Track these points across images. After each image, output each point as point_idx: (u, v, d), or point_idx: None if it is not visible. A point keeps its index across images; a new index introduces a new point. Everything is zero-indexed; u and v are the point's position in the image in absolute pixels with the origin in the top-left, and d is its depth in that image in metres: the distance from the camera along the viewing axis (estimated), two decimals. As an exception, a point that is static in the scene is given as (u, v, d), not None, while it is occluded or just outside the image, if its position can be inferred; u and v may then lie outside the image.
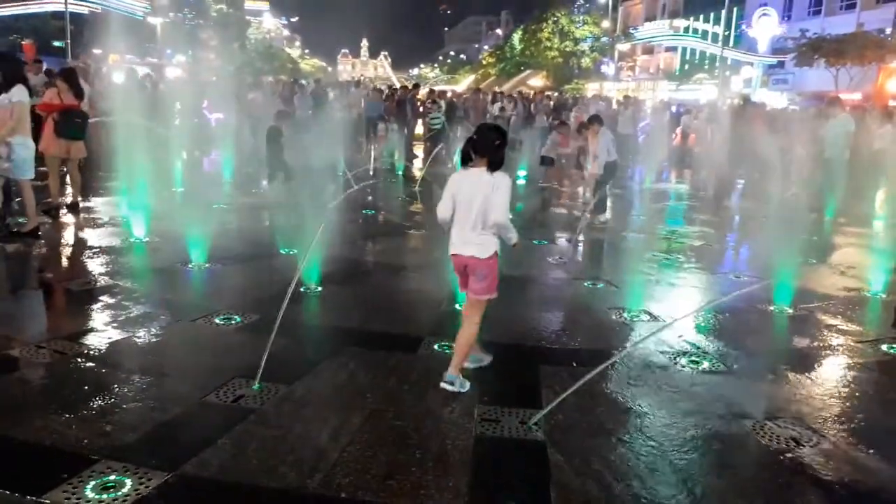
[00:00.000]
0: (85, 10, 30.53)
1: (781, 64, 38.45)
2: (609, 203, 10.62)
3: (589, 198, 10.47)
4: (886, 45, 29.64)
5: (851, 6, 36.52)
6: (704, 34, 47.68)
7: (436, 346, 4.79)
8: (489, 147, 3.94)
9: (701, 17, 48.83)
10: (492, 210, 3.89)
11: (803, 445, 3.63)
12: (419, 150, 18.16)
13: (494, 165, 3.93)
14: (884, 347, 5.25)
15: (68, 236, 7.70)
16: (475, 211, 3.93)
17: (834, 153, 10.91)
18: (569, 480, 3.19)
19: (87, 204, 9.18)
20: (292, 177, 10.80)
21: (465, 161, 4.03)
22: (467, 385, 4.09)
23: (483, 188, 3.90)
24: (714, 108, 21.22)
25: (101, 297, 5.49)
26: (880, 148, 12.91)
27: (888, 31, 31.27)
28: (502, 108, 21.33)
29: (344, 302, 5.93)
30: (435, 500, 2.96)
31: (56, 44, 34.47)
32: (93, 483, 2.92)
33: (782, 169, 10.66)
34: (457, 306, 5.48)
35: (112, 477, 2.97)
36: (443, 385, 4.06)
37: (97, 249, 6.99)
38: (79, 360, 4.26)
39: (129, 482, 2.94)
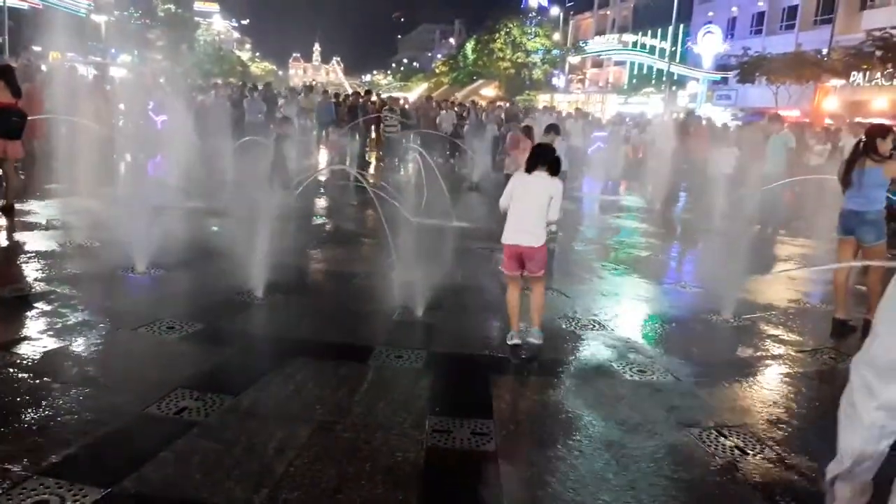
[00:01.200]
0: (24, 6, 29.54)
1: (725, 80, 39.70)
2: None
3: None
4: (823, 64, 30.88)
5: (791, 27, 38.01)
6: (652, 49, 48.90)
7: (387, 356, 4.74)
8: (551, 159, 4.95)
9: (649, 32, 50.07)
10: (552, 209, 4.91)
11: (747, 453, 3.70)
12: (371, 157, 18.09)
13: (553, 172, 4.94)
14: (823, 357, 5.42)
15: (3, 239, 7.36)
16: (536, 207, 4.88)
17: (775, 168, 11.24)
18: (519, 491, 3.17)
19: (26, 206, 8.81)
20: (289, 185, 10.58)
21: (531, 169, 4.95)
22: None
23: (547, 190, 4.88)
24: (659, 122, 21.75)
25: (36, 304, 5.26)
26: (817, 164, 13.42)
27: (824, 51, 32.58)
28: (462, 116, 21.48)
29: (293, 311, 5.82)
30: (385, 514, 2.91)
31: (-7, 39, 33.17)
32: (23, 502, 2.77)
33: (723, 182, 10.98)
34: (417, 314, 5.66)
35: (44, 495, 2.83)
36: (530, 340, 4.98)
37: (34, 254, 6.70)
38: (10, 370, 4.05)
39: (62, 500, 2.80)
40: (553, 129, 10.77)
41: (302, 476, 3.15)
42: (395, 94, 35.06)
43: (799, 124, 19.51)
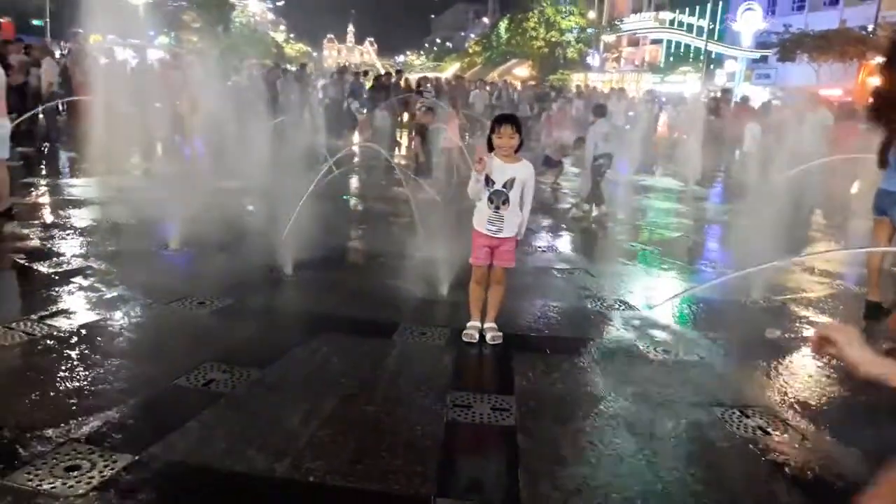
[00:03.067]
0: (66, -11, 30.01)
1: (765, 59, 38.71)
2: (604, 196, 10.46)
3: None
4: (868, 41, 29.90)
5: (835, 2, 36.81)
6: (690, 27, 47.83)
7: (412, 332, 4.80)
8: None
9: (686, 10, 48.91)
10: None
11: (770, 434, 3.67)
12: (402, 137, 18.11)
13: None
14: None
15: (43, 217, 7.58)
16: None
17: (812, 148, 10.98)
18: (537, 466, 3.21)
19: (67, 182, 9.06)
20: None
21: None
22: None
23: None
24: (693, 101, 21.36)
25: (74, 279, 5.43)
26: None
27: (870, 27, 31.53)
28: (498, 97, 21.53)
29: (322, 287, 5.91)
30: (402, 485, 2.96)
31: (35, 22, 33.88)
32: (57, 465, 2.89)
33: (751, 162, 10.77)
34: (442, 292, 5.69)
35: (77, 459, 2.95)
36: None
37: (73, 231, 6.91)
38: (48, 341, 4.21)
39: (93, 464, 2.92)
40: (600, 110, 10.54)
41: (323, 447, 3.22)
42: (427, 75, 34.97)
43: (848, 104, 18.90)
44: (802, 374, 4.61)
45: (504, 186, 4.46)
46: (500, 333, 4.70)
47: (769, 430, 3.72)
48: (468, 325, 4.73)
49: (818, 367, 4.75)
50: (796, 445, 3.58)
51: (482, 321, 4.75)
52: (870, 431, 3.85)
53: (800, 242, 8.74)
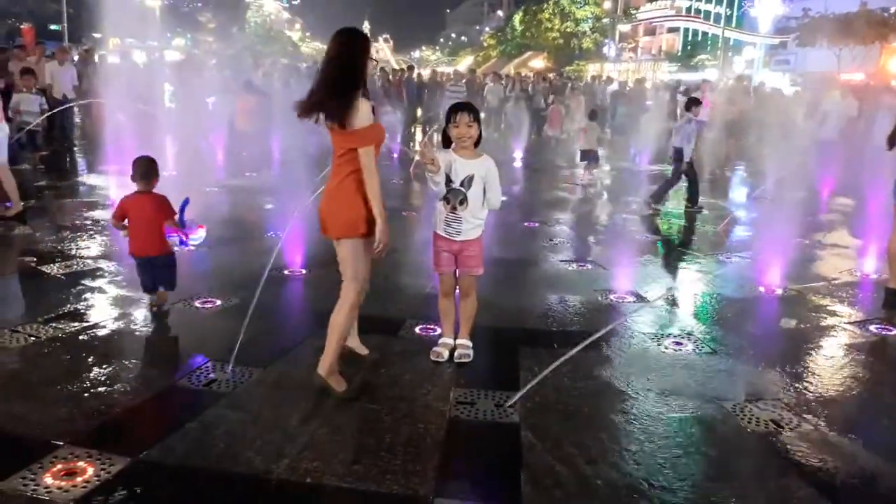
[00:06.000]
0: (84, -8, 30.29)
1: (784, 44, 38.11)
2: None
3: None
4: (890, 23, 29.31)
5: (856, -17, 36.08)
6: (707, 14, 47.26)
7: (417, 329, 4.74)
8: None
9: (703, -3, 48.39)
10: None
11: (783, 428, 3.57)
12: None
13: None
14: (872, 329, 5.18)
15: (55, 219, 7.61)
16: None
17: (829, 133, 10.78)
18: (540, 463, 3.13)
19: (82, 181, 9.13)
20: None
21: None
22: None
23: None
24: (710, 89, 20.99)
25: (82, 281, 5.44)
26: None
27: (892, 9, 30.88)
28: (511, 89, 21.50)
29: (329, 285, 5.82)
30: (400, 485, 2.90)
31: (52, 27, 34.25)
32: (53, 469, 2.87)
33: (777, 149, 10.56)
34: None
35: (74, 463, 2.92)
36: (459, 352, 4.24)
37: (83, 232, 6.93)
38: (54, 343, 4.21)
39: (90, 468, 2.89)
40: (694, 103, 9.92)
41: (323, 447, 3.17)
42: (441, 69, 34.88)
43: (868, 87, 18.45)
44: (818, 365, 4.48)
45: (462, 184, 3.99)
46: (470, 352, 4.24)
47: (782, 423, 3.61)
48: (439, 341, 4.35)
49: (834, 358, 4.62)
50: (810, 440, 3.47)
51: (455, 337, 4.33)
52: (886, 423, 3.74)
53: (816, 228, 8.56)
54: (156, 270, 4.75)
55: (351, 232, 3.63)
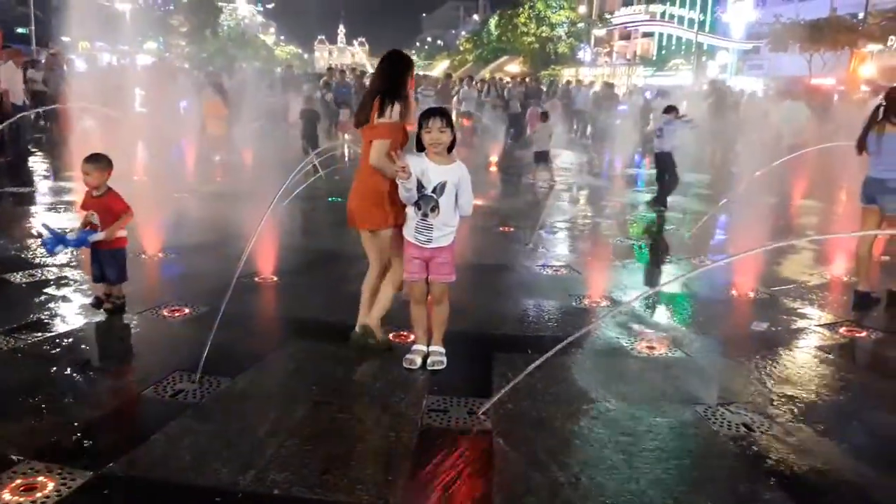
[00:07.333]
0: (51, -5, 29.86)
1: (757, 49, 38.66)
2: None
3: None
4: (859, 29, 29.87)
5: (825, -10, 36.70)
6: (681, 19, 47.81)
7: (389, 336, 4.68)
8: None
9: (677, 1, 48.91)
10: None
11: (754, 431, 3.58)
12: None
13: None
14: (842, 331, 5.23)
15: (13, 223, 7.43)
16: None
17: (791, 138, 10.94)
18: (512, 470, 3.10)
19: (45, 185, 8.95)
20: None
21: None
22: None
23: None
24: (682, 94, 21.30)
25: (45, 290, 5.31)
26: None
27: (861, 15, 31.48)
28: (487, 93, 21.59)
29: (300, 292, 5.79)
30: (371, 495, 2.86)
31: (19, 30, 33.59)
32: (11, 484, 2.78)
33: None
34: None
35: (34, 478, 2.84)
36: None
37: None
38: (16, 354, 4.10)
39: (50, 483, 2.81)
40: (671, 109, 10.47)
41: (291, 457, 3.11)
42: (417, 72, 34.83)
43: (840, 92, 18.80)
44: (789, 368, 4.51)
45: (434, 191, 3.92)
46: (443, 359, 4.18)
47: (753, 426, 3.62)
48: (412, 348, 4.29)
49: (805, 360, 4.66)
50: (781, 442, 3.48)
51: (428, 343, 4.28)
52: (856, 425, 3.77)
53: (784, 232, 8.65)
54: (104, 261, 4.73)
55: (383, 225, 4.16)
